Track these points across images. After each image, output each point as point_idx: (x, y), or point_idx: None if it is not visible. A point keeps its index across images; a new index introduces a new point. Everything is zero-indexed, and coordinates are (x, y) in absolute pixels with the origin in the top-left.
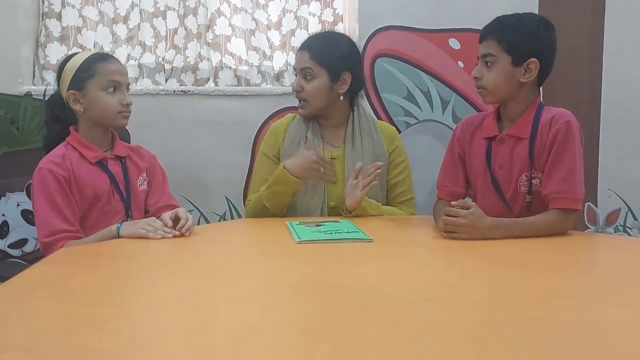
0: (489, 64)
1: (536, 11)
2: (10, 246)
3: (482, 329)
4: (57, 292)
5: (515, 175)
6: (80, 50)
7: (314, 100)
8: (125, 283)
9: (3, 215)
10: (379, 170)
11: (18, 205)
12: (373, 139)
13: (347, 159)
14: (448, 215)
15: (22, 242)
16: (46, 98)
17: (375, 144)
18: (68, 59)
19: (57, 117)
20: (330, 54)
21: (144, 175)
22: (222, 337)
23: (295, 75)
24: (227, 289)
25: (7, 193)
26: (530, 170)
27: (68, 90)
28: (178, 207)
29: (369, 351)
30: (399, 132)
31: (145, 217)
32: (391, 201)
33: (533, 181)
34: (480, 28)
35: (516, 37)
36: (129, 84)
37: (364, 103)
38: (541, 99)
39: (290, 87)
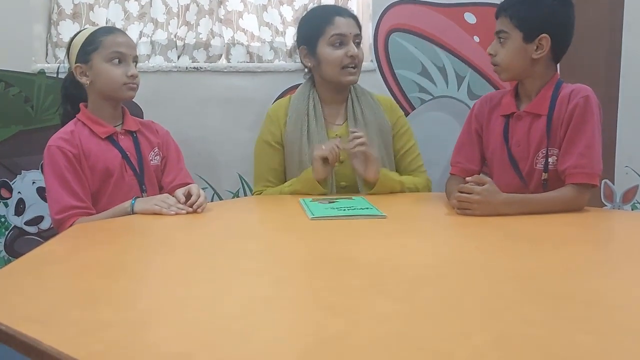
0: (502, 40)
1: None
2: (27, 223)
3: (497, 303)
4: (72, 266)
5: (532, 153)
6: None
7: None
8: (139, 258)
9: (19, 192)
10: (360, 140)
11: (33, 182)
12: (374, 110)
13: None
14: (461, 192)
15: (38, 220)
16: (59, 75)
17: (377, 115)
18: (76, 34)
19: (70, 96)
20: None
21: (156, 150)
22: (235, 310)
23: None
24: (240, 264)
25: (22, 171)
26: (547, 147)
27: (75, 63)
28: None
29: (383, 325)
30: (413, 108)
31: (160, 193)
32: (403, 171)
33: (550, 159)
34: (496, 2)
35: (527, 13)
36: (136, 56)
37: (377, 78)
38: (559, 76)
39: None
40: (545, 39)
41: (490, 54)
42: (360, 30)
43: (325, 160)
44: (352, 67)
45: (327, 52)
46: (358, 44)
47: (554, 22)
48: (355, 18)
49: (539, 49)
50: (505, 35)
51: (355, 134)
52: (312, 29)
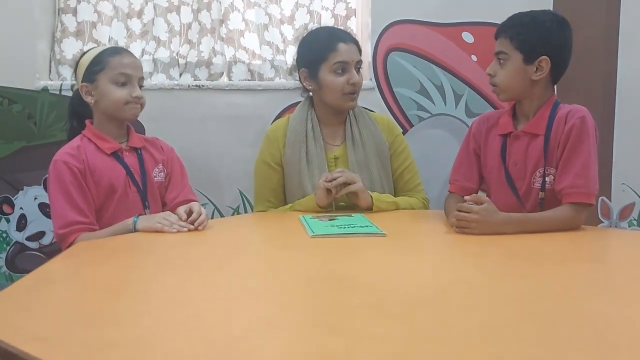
0: (501, 61)
1: (550, 6)
2: (28, 239)
3: (495, 324)
4: (76, 285)
5: (529, 172)
6: (96, 45)
7: None
8: (142, 277)
9: (21, 208)
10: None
11: (35, 198)
12: (371, 131)
13: (350, 155)
14: (460, 211)
15: (40, 235)
16: (62, 92)
17: (374, 136)
18: (85, 53)
19: (76, 112)
20: None
21: (160, 166)
22: (236, 331)
23: None
24: (241, 283)
25: (24, 187)
26: (544, 167)
27: (82, 82)
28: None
29: (382, 346)
30: (412, 126)
31: (163, 210)
32: (400, 190)
33: (547, 178)
34: (494, 22)
35: (528, 35)
36: (142, 77)
37: (376, 96)
38: (556, 97)
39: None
40: (545, 61)
41: (489, 75)
42: (361, 54)
43: (328, 189)
44: (352, 94)
45: (330, 79)
46: (359, 70)
47: (554, 44)
48: (357, 43)
49: (539, 70)
50: (505, 56)
51: (335, 176)
52: (315, 54)
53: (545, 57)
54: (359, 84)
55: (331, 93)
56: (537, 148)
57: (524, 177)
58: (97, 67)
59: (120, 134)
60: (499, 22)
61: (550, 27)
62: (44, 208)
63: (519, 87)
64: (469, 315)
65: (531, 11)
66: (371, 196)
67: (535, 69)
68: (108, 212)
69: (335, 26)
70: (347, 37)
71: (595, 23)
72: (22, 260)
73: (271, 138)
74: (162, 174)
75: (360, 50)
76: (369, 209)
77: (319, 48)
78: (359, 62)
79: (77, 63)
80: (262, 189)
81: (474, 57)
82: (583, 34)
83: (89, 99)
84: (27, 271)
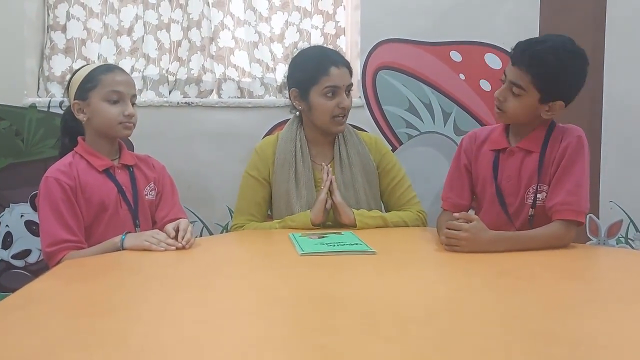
0: (515, 93)
1: (537, 25)
2: (14, 257)
3: (486, 343)
4: (62, 305)
5: (522, 188)
6: (85, 63)
7: None
8: (129, 296)
9: (7, 226)
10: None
11: (22, 216)
12: (358, 151)
13: (337, 175)
14: (449, 229)
15: (26, 253)
16: (50, 109)
17: (361, 155)
18: (77, 70)
19: (68, 128)
20: None
21: (152, 185)
22: (226, 352)
23: None
24: (230, 303)
25: (11, 204)
26: (537, 184)
27: (74, 100)
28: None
29: None
30: (401, 143)
31: (154, 228)
32: (394, 206)
33: (539, 195)
34: (482, 41)
35: (552, 81)
36: (135, 95)
37: (365, 114)
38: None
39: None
40: (559, 104)
41: (497, 99)
42: (352, 75)
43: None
44: (341, 117)
45: (320, 102)
46: (349, 92)
47: (573, 90)
48: (348, 65)
49: (551, 110)
50: (520, 90)
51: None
52: (306, 75)
53: (562, 102)
54: (349, 108)
55: (321, 115)
56: (531, 164)
57: (517, 193)
58: (89, 85)
59: (112, 150)
60: (487, 41)
61: (574, 72)
62: (30, 226)
63: (526, 118)
64: (460, 334)
65: (552, 46)
66: (353, 212)
67: (547, 108)
68: (98, 229)
69: (327, 46)
70: (339, 60)
71: (581, 42)
72: (8, 278)
73: (260, 154)
74: (154, 192)
75: (351, 73)
76: (353, 226)
77: (311, 69)
78: (350, 85)
79: (69, 80)
80: (246, 201)
81: (461, 76)
82: None
83: (81, 117)
84: (13, 290)
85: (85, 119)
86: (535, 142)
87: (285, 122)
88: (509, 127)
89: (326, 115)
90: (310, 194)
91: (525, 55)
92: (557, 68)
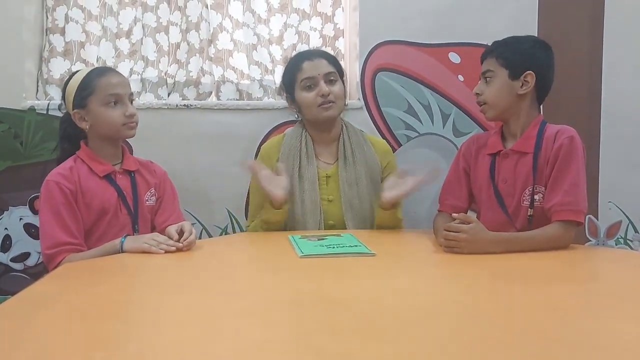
0: (488, 79)
1: (535, 26)
2: (13, 260)
3: (486, 345)
4: (62, 308)
5: (518, 189)
6: (84, 66)
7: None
8: (129, 299)
9: (6, 229)
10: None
11: (21, 219)
12: (364, 150)
13: (341, 175)
14: (448, 230)
15: (25, 256)
16: (49, 112)
17: (367, 155)
18: (70, 78)
19: (69, 135)
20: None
21: (152, 190)
22: (226, 354)
23: None
24: (230, 305)
25: (10, 207)
26: (533, 185)
27: (73, 110)
28: None
29: None
30: (400, 145)
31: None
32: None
33: (535, 196)
34: (480, 43)
35: (512, 53)
36: (131, 94)
37: (364, 116)
38: (543, 117)
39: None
40: (530, 76)
41: (476, 94)
42: (337, 67)
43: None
44: (327, 104)
45: (302, 96)
46: (332, 81)
47: (537, 61)
48: (326, 56)
49: (525, 85)
50: (491, 74)
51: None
52: (286, 78)
53: (530, 72)
54: (334, 94)
55: (308, 109)
56: (526, 166)
57: (514, 195)
58: (85, 92)
59: (116, 154)
60: (485, 42)
61: (534, 46)
62: (29, 229)
63: (506, 102)
64: (460, 335)
65: (514, 36)
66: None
67: (521, 84)
68: (97, 233)
69: (326, 48)
70: (313, 54)
71: (580, 43)
72: (7, 281)
73: (264, 156)
74: (154, 198)
75: (335, 63)
76: (386, 205)
77: (289, 72)
78: (330, 73)
79: (64, 90)
80: (254, 205)
81: (460, 77)
82: (568, 56)
83: (83, 125)
84: (12, 293)
85: (87, 126)
86: (528, 143)
87: (284, 124)
88: (503, 131)
89: (312, 107)
90: (313, 190)
91: (487, 48)
92: (514, 42)
